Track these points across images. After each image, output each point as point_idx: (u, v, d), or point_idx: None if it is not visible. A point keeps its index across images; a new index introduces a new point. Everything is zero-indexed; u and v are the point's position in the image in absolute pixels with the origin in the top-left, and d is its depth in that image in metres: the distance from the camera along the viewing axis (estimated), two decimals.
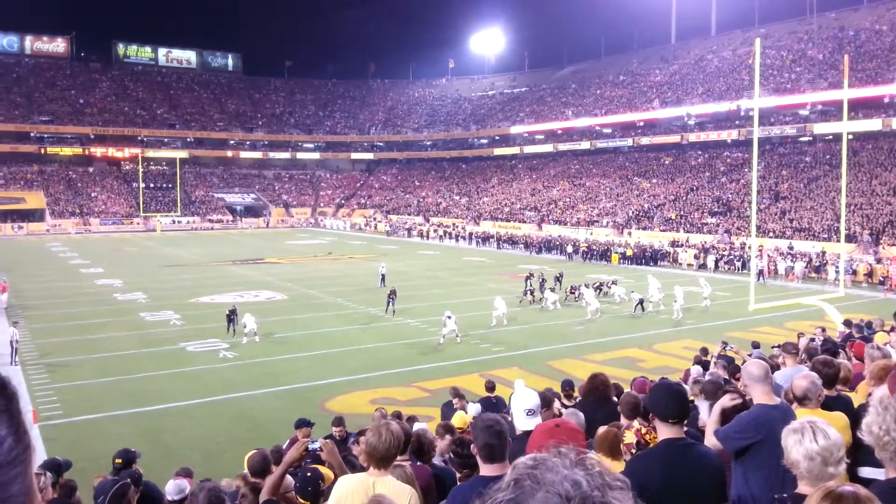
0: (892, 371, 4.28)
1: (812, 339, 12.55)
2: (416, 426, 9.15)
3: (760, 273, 37.12)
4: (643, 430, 3.80)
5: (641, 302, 27.85)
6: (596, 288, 30.54)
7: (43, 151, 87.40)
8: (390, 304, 26.92)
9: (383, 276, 34.46)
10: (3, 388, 0.76)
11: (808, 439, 2.75)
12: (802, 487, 2.80)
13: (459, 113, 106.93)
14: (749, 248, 40.28)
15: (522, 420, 4.29)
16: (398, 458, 5.71)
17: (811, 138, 61.33)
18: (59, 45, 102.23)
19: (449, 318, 21.98)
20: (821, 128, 58.85)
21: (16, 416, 0.76)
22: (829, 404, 4.66)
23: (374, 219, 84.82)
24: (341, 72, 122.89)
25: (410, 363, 20.03)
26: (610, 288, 31.50)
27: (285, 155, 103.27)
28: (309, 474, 4.62)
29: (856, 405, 5.25)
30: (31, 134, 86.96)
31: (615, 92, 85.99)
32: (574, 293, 30.18)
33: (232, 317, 23.30)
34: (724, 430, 4.00)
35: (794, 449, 2.79)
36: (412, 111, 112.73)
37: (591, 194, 70.79)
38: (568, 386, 9.97)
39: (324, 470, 5.20)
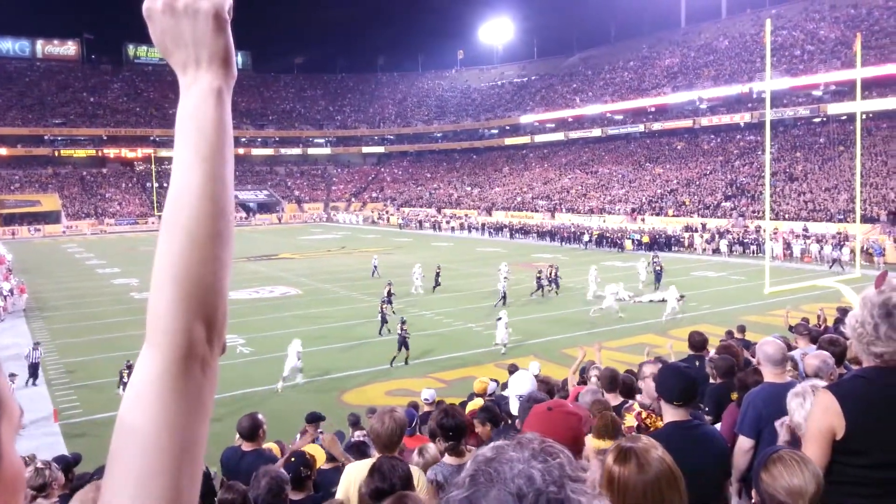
0: (882, 271, 4.28)
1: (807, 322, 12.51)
2: (425, 392, 9.49)
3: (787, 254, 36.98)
4: (643, 414, 3.82)
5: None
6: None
7: (57, 154, 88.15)
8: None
9: (375, 266, 35.78)
10: None
11: (810, 402, 2.77)
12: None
13: (469, 104, 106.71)
14: (763, 231, 40.01)
15: (516, 405, 4.37)
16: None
17: (825, 119, 60.71)
18: (69, 49, 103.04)
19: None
20: (834, 108, 58.27)
21: None
22: None
23: (387, 212, 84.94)
24: (350, 66, 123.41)
25: (426, 354, 20.12)
26: None
27: (296, 151, 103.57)
28: (293, 459, 4.60)
29: None
30: (45, 137, 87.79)
31: (625, 78, 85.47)
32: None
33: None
34: (738, 422, 3.99)
35: (797, 412, 2.88)
36: (422, 103, 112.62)
37: (604, 181, 70.50)
38: (584, 373, 10.06)
39: (314, 452, 5.25)
